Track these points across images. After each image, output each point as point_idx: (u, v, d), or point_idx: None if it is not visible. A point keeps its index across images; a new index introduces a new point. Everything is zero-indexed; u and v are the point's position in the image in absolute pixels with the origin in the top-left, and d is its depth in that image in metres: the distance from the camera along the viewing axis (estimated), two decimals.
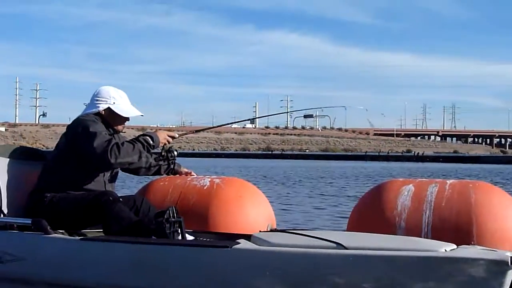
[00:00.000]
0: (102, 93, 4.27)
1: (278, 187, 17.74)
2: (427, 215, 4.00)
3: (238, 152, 78.92)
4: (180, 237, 3.77)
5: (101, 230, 4.00)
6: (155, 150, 4.36)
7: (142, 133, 4.31)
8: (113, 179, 4.29)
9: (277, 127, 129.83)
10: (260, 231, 4.46)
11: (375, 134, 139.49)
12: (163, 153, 4.48)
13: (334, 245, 3.27)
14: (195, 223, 4.25)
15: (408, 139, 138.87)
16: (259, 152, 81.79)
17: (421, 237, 3.89)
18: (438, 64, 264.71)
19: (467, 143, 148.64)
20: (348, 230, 4.32)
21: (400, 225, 4.01)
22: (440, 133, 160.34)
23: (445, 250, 3.20)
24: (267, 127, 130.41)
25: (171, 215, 3.72)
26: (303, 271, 3.23)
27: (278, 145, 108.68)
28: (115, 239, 3.69)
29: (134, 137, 4.17)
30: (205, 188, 4.39)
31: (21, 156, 4.39)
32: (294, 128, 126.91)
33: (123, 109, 4.26)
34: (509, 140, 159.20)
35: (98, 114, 4.20)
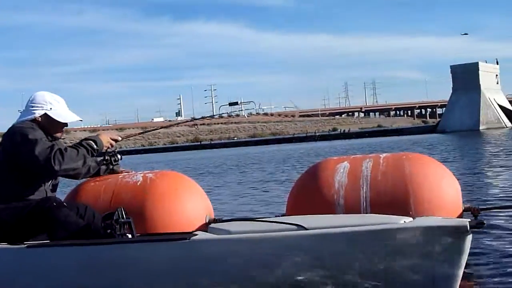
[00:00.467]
0: (38, 98, 4.10)
1: (208, 178, 17.63)
2: (364, 190, 4.03)
3: (167, 146, 78.18)
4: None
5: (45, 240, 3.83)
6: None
7: (84, 137, 4.18)
8: (54, 187, 4.12)
9: (203, 117, 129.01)
10: (209, 223, 4.43)
11: (300, 116, 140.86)
12: (106, 157, 4.37)
13: (295, 227, 3.26)
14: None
15: (333, 117, 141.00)
16: (188, 144, 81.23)
17: (360, 212, 3.93)
18: (354, 42, 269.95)
19: (389, 116, 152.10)
20: (287, 213, 4.31)
21: (339, 202, 4.02)
22: (363, 109, 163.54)
23: (404, 222, 3.24)
24: (193, 118, 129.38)
25: (120, 216, 3.60)
26: (267, 255, 3.21)
27: (206, 135, 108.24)
28: (66, 243, 3.55)
29: (76, 141, 4.04)
30: (138, 184, 4.24)
31: None
32: (221, 117, 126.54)
33: (61, 115, 4.09)
34: (428, 110, 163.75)
35: (34, 120, 4.02)
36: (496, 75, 63.39)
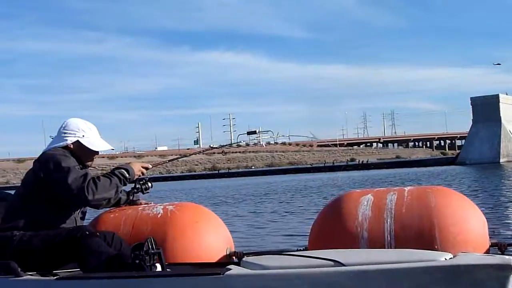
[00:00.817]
0: (71, 125, 4.07)
1: (225, 207, 17.56)
2: (388, 223, 3.95)
3: (185, 174, 78.35)
4: (160, 269, 3.61)
5: (75, 269, 3.79)
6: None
7: (116, 166, 4.13)
8: (83, 216, 4.10)
9: (221, 146, 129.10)
10: (230, 256, 4.34)
11: (318, 146, 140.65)
12: (137, 186, 4.33)
13: (332, 263, 3.17)
14: None
15: (351, 148, 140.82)
16: (205, 172, 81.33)
17: (384, 246, 3.85)
18: (374, 72, 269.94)
19: (408, 147, 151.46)
20: (310, 246, 4.25)
21: (362, 235, 3.95)
22: (382, 140, 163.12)
23: (445, 259, 3.16)
24: (211, 147, 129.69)
25: (150, 246, 3.54)
26: None
27: (224, 163, 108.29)
28: (96, 276, 3.48)
29: (108, 171, 3.98)
30: (159, 216, 4.22)
31: None
32: (238, 145, 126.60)
33: (93, 143, 4.07)
34: (447, 141, 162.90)
35: (66, 147, 3.99)
36: None
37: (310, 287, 3.11)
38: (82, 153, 4.02)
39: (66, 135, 4.03)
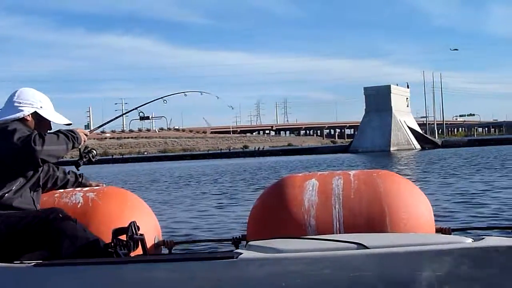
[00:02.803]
0: (26, 95, 3.63)
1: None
2: (337, 210, 3.79)
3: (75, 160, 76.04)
4: None
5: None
6: None
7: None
8: (38, 196, 3.65)
9: (113, 131, 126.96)
10: (158, 246, 4.02)
11: (212, 133, 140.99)
12: (84, 154, 3.96)
13: (354, 245, 2.96)
14: None
15: (244, 135, 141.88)
16: (99, 157, 79.38)
17: (333, 232, 3.68)
18: (269, 61, 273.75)
19: (299, 135, 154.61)
20: (249, 234, 4.00)
21: (309, 222, 3.76)
22: (274, 128, 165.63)
23: (472, 241, 2.99)
24: (103, 132, 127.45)
25: (134, 231, 3.19)
26: (326, 276, 2.86)
27: (116, 149, 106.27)
28: (82, 262, 3.03)
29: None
30: (79, 206, 3.82)
31: None
32: (131, 131, 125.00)
33: (51, 115, 3.67)
34: (337, 130, 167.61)
35: (22, 120, 3.55)
36: (407, 98, 65.74)
37: (333, 270, 2.85)
38: (37, 126, 3.59)
39: (21, 105, 3.58)
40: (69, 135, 3.53)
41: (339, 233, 3.67)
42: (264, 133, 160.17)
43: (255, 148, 74.94)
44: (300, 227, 3.70)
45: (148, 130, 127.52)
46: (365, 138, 58.82)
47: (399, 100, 61.71)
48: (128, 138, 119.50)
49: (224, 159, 56.53)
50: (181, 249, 4.80)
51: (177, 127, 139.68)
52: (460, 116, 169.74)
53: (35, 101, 3.61)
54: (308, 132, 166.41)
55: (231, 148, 79.49)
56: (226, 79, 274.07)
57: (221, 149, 76.70)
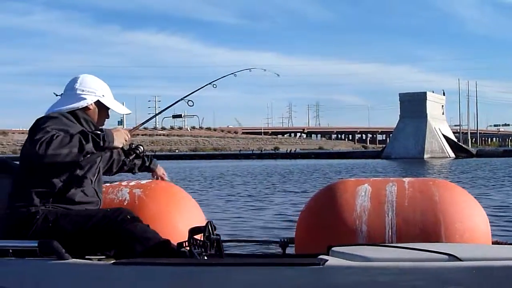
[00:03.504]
0: (89, 82, 3.49)
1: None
2: (389, 217, 3.68)
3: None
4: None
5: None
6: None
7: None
8: (100, 185, 3.55)
9: (145, 128, 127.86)
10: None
11: (243, 133, 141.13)
12: (128, 152, 3.84)
13: (445, 256, 2.83)
14: None
15: (275, 137, 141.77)
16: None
17: (384, 240, 3.56)
18: (302, 63, 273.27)
19: (331, 139, 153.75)
20: (298, 236, 3.92)
21: (361, 228, 3.65)
22: (306, 131, 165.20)
23: None
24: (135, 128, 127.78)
25: (211, 231, 3.10)
26: (417, 287, 2.74)
27: (147, 146, 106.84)
28: (164, 262, 2.96)
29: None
30: (125, 203, 3.75)
31: None
32: (163, 128, 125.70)
33: (114, 105, 3.56)
34: (369, 135, 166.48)
35: (83, 109, 3.43)
36: (442, 105, 64.99)
37: (425, 282, 2.72)
38: (98, 116, 3.51)
39: (84, 93, 3.44)
40: (89, 137, 3.16)
41: (391, 241, 3.55)
42: (295, 135, 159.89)
43: (286, 150, 74.86)
44: (351, 233, 3.60)
45: (180, 128, 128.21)
46: (399, 145, 58.26)
47: (434, 107, 61.02)
48: (160, 135, 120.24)
49: (255, 159, 56.51)
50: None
51: (208, 127, 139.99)
52: (495, 125, 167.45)
53: (97, 89, 3.48)
54: (339, 136, 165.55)
55: (263, 149, 79.38)
56: (258, 79, 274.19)
57: (252, 150, 76.62)
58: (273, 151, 75.70)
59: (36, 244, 2.99)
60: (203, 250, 3.06)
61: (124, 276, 2.93)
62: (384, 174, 27.04)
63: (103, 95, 3.49)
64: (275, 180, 22.76)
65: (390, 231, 3.60)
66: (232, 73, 3.95)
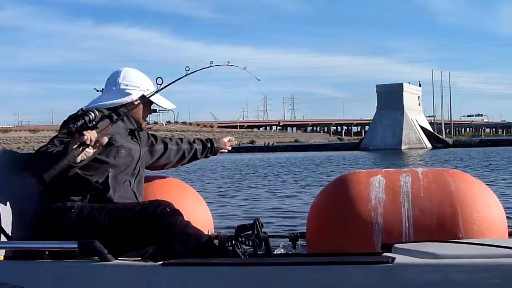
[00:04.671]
0: (133, 76, 3.31)
1: None
2: (406, 208, 3.59)
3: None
4: None
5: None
6: None
7: None
8: (140, 186, 3.34)
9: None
10: None
11: (219, 127, 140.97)
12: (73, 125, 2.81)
13: None
14: None
15: (251, 130, 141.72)
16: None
17: (401, 233, 3.48)
18: (277, 57, 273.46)
19: (306, 132, 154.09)
20: (310, 230, 3.82)
21: (376, 220, 3.56)
22: (281, 123, 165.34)
23: None
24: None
25: (259, 230, 2.93)
26: (493, 286, 2.59)
27: None
28: (215, 262, 2.76)
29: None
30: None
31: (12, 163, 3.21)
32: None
33: (159, 99, 3.36)
34: (344, 127, 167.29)
35: (127, 104, 3.23)
36: (419, 96, 65.50)
37: (503, 281, 2.57)
38: (141, 111, 3.32)
39: (128, 87, 3.25)
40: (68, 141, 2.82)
41: (409, 233, 3.48)
42: (271, 128, 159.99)
43: (264, 143, 74.82)
44: (366, 225, 3.52)
45: (155, 123, 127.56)
46: (376, 136, 58.58)
47: (411, 99, 61.47)
48: None
49: (233, 153, 56.39)
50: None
51: (184, 121, 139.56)
52: (468, 116, 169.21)
53: (141, 83, 3.30)
54: (315, 128, 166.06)
55: (240, 142, 79.38)
56: (232, 73, 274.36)
57: None
58: (251, 145, 75.61)
59: (76, 245, 2.74)
60: (252, 248, 2.91)
61: (174, 278, 2.73)
62: (365, 165, 27.15)
63: (147, 89, 3.31)
64: (265, 172, 22.68)
65: (407, 222, 3.52)
66: (209, 67, 3.70)
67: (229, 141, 3.99)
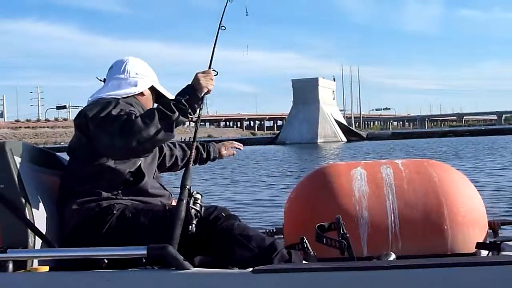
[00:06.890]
0: (140, 66, 3.05)
1: None
2: (390, 200, 3.52)
3: None
4: None
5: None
6: None
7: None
8: (160, 179, 3.11)
9: (28, 120, 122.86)
10: None
11: None
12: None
13: None
14: None
15: None
16: None
17: (387, 226, 3.42)
18: (186, 52, 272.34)
19: (219, 127, 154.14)
20: (287, 226, 3.70)
21: (362, 214, 3.47)
22: (194, 119, 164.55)
23: None
24: (17, 121, 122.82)
25: (343, 229, 2.76)
26: None
27: (31, 139, 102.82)
28: (314, 267, 2.49)
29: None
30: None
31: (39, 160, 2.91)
32: (47, 120, 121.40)
33: (165, 90, 3.12)
34: (257, 122, 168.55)
35: (137, 95, 2.98)
36: (333, 91, 66.79)
37: None
38: (151, 102, 3.06)
39: (137, 77, 2.98)
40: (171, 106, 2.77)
41: (395, 226, 3.42)
42: (184, 124, 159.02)
43: (181, 138, 74.16)
44: (351, 219, 3.40)
45: (65, 119, 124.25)
46: (293, 130, 59.26)
47: (325, 93, 62.54)
48: (44, 127, 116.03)
49: None
50: None
51: None
52: (376, 110, 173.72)
53: (149, 73, 3.07)
54: (228, 123, 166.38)
55: None
56: None
57: None
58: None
59: (145, 251, 2.39)
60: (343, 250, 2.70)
61: (266, 286, 2.45)
62: (284, 160, 27.34)
63: (154, 80, 3.08)
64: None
65: (392, 214, 3.47)
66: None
67: (233, 147, 3.76)
